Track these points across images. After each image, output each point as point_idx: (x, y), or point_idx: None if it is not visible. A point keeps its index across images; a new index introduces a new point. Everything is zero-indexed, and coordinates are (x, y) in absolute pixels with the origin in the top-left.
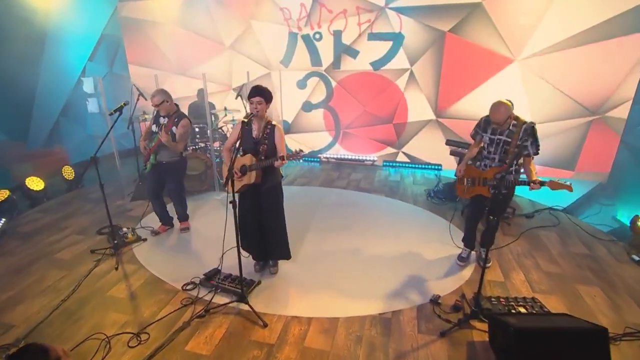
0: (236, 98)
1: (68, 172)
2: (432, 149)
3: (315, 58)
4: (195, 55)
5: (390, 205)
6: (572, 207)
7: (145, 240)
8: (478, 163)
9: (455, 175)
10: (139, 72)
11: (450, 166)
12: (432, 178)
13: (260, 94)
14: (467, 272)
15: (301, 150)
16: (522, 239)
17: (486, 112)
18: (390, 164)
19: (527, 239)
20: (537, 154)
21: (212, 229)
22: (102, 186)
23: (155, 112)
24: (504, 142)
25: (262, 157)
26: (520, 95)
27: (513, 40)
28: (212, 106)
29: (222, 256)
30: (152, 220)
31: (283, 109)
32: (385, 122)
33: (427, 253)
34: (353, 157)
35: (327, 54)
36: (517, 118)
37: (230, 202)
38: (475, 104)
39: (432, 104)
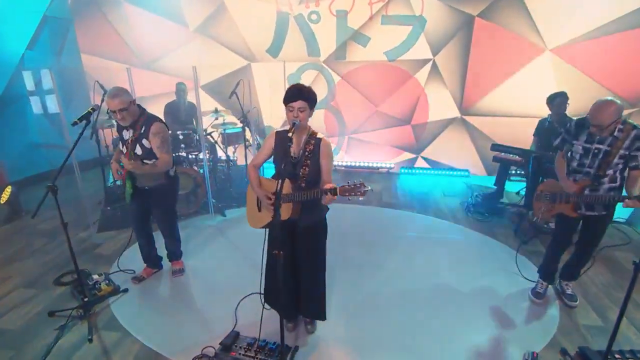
0: (230, 97)
1: (5, 195)
2: (456, 151)
3: (313, 46)
4: (162, 43)
5: (426, 225)
6: (634, 217)
7: (126, 291)
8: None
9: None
10: (97, 63)
11: (478, 171)
12: (462, 187)
13: (304, 96)
14: (552, 313)
15: (362, 184)
16: (598, 264)
17: (517, 107)
18: (410, 170)
19: (603, 262)
20: None
21: (214, 269)
22: (66, 226)
23: (117, 124)
24: (604, 152)
25: (302, 184)
26: (552, 88)
27: (546, 26)
28: (192, 107)
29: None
30: (132, 258)
31: (269, 110)
32: (402, 124)
33: (494, 289)
34: (366, 165)
35: (327, 40)
36: (624, 121)
37: (276, 253)
38: (505, 99)
39: (457, 100)
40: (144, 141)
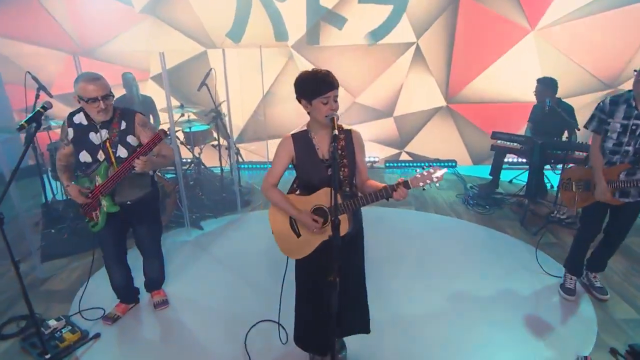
0: (199, 89)
1: None
2: (442, 142)
3: (280, 28)
4: (103, 26)
5: (430, 222)
6: None
7: (98, 336)
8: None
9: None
10: (21, 49)
11: (464, 161)
12: (454, 178)
13: (337, 83)
14: (587, 309)
15: (437, 168)
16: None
17: (503, 92)
18: (395, 164)
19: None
20: None
21: (204, 295)
22: (17, 265)
23: (73, 122)
24: None
25: (347, 189)
26: (536, 72)
27: (531, 6)
28: (148, 101)
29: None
30: (97, 292)
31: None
32: (383, 116)
33: (520, 290)
34: None
35: (297, 22)
36: None
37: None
38: (491, 85)
39: (443, 87)
40: (130, 138)
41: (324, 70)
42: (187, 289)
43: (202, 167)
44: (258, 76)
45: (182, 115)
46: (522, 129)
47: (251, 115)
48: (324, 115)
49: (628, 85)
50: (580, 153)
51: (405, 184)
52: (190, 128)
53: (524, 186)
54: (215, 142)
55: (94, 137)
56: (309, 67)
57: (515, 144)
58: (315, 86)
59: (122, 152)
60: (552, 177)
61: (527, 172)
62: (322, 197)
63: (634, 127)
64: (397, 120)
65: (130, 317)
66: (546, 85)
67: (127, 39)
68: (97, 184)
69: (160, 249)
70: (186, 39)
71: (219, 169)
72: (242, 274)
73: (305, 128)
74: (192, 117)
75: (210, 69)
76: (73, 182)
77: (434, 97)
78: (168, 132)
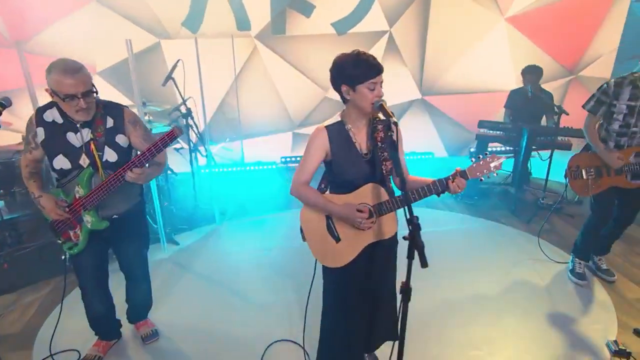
0: (164, 84)
1: None
2: (418, 135)
3: (242, 17)
4: (37, 13)
5: (424, 216)
6: None
7: None
8: (611, 144)
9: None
10: None
11: (440, 153)
12: (430, 170)
13: (382, 68)
14: (600, 294)
15: (494, 156)
16: None
17: (477, 82)
18: None
19: None
20: None
21: (197, 320)
22: None
23: (44, 120)
24: None
25: (394, 184)
26: (507, 61)
27: None
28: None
29: None
30: (67, 330)
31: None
32: None
33: (530, 281)
34: None
35: (260, 9)
36: None
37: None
38: (465, 74)
39: (417, 78)
40: (119, 138)
41: (366, 52)
42: (177, 314)
43: (170, 173)
44: (220, 70)
45: (145, 115)
46: (495, 118)
47: (214, 113)
48: (371, 103)
49: (587, 72)
50: (564, 138)
51: (463, 174)
52: (150, 130)
53: (509, 175)
54: (179, 145)
55: (74, 139)
56: (275, 59)
57: (499, 132)
58: (361, 70)
59: (110, 155)
60: (535, 163)
61: (512, 159)
62: (366, 194)
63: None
64: None
65: (116, 357)
66: (534, 73)
67: (66, 28)
68: (76, 196)
69: (148, 270)
70: (136, 29)
71: (190, 174)
72: (235, 290)
73: (338, 119)
74: (149, 117)
75: (178, 60)
76: (46, 192)
77: (409, 89)
78: (182, 129)
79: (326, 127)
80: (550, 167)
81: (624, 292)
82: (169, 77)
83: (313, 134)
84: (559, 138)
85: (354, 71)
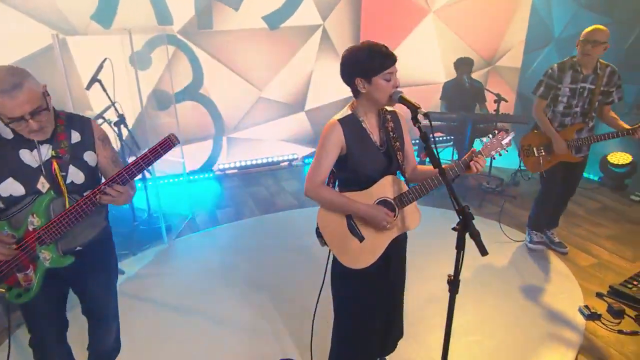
0: (89, 87)
1: None
2: None
3: (162, 9)
4: None
5: None
6: None
7: None
8: (556, 124)
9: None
10: None
11: None
12: None
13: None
14: (559, 265)
15: (502, 132)
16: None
17: (411, 75)
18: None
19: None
20: (621, 100)
21: (172, 357)
22: None
23: None
24: (588, 90)
25: (406, 176)
26: (436, 53)
27: None
28: None
29: None
30: None
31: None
32: (294, 111)
33: (496, 262)
34: (264, 162)
35: (183, 1)
36: (598, 60)
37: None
38: (399, 68)
39: None
40: (88, 155)
41: (379, 43)
42: (150, 356)
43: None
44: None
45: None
46: (431, 110)
47: (136, 119)
48: (388, 94)
49: (502, 62)
50: (503, 124)
51: (479, 154)
52: None
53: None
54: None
55: (29, 157)
56: (203, 56)
57: (441, 122)
58: (377, 61)
59: (76, 176)
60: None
61: (450, 149)
62: (386, 187)
63: (581, 90)
64: (310, 114)
65: None
66: (467, 64)
67: None
68: (30, 228)
69: (117, 307)
70: (36, 24)
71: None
72: (210, 315)
73: (348, 112)
74: None
75: (105, 59)
76: None
77: (345, 85)
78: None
79: (340, 121)
80: None
81: (578, 261)
82: (95, 79)
83: (327, 130)
84: (498, 124)
85: (369, 63)
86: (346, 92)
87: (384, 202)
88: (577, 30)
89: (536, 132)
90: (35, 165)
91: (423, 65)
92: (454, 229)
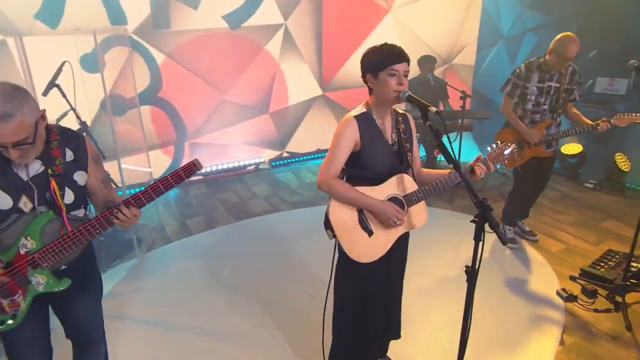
0: (46, 93)
1: None
2: (322, 133)
3: (114, 8)
4: None
5: None
6: None
7: None
8: (526, 121)
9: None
10: None
11: None
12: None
13: (407, 57)
14: (532, 254)
15: (505, 144)
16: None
17: None
18: (282, 162)
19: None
20: (581, 97)
21: None
22: None
23: None
24: (554, 88)
25: (413, 176)
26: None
27: None
28: None
29: None
30: None
31: (51, 112)
32: (258, 114)
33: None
34: (230, 166)
35: (137, 0)
36: None
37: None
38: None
39: (317, 74)
40: (79, 175)
41: (390, 43)
42: None
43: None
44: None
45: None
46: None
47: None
48: (393, 90)
49: (457, 60)
50: (467, 120)
51: (484, 161)
52: None
53: (423, 160)
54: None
55: (20, 170)
56: (160, 58)
57: None
58: (381, 56)
59: (68, 196)
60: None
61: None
62: (395, 185)
63: (547, 88)
64: (274, 116)
65: None
66: (431, 62)
67: None
68: (22, 251)
69: (104, 330)
70: None
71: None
72: (204, 329)
73: (363, 110)
74: None
75: (64, 62)
76: None
77: (309, 86)
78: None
79: (356, 117)
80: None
81: (549, 247)
82: (53, 83)
83: (342, 125)
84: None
85: (375, 58)
86: (312, 92)
87: (394, 199)
88: (523, 29)
89: (509, 129)
90: (24, 178)
91: None
92: (472, 221)
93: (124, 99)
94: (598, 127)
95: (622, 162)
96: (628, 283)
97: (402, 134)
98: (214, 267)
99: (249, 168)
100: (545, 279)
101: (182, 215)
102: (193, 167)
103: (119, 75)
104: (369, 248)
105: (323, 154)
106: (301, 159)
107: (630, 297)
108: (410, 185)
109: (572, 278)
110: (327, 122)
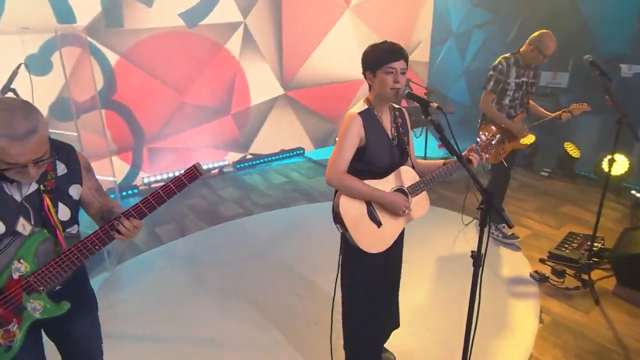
0: (3, 93)
1: None
2: (285, 132)
3: (61, 5)
4: None
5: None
6: None
7: None
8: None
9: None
10: None
11: (308, 147)
12: (312, 165)
13: (405, 55)
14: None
15: (493, 134)
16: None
17: (334, 73)
18: (248, 163)
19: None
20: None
21: None
22: None
23: None
24: (525, 83)
25: (413, 167)
26: (354, 50)
27: None
28: None
29: None
30: None
31: None
32: (220, 115)
33: (447, 244)
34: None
35: None
36: None
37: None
38: (322, 66)
39: (278, 73)
40: (74, 189)
41: (389, 41)
42: None
43: None
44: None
45: None
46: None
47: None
48: (390, 88)
49: (414, 56)
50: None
51: (476, 151)
52: None
53: None
54: None
55: (12, 190)
56: (112, 57)
57: None
58: (378, 54)
59: (63, 212)
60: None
61: None
62: (400, 176)
63: (521, 83)
64: (236, 117)
65: None
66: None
67: None
68: (15, 276)
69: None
70: None
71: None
72: (197, 338)
73: (365, 107)
74: None
75: (20, 65)
76: None
77: (271, 85)
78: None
79: (360, 113)
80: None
81: (517, 234)
82: (8, 87)
83: (348, 121)
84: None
85: (373, 56)
86: (273, 92)
87: (399, 191)
88: (471, 25)
89: (491, 125)
90: (18, 199)
91: (344, 62)
92: (478, 208)
93: (76, 103)
94: (562, 117)
95: (571, 149)
96: (591, 262)
97: (400, 128)
98: (195, 274)
99: (213, 172)
100: (517, 264)
101: (150, 224)
102: (195, 171)
103: (71, 77)
104: (378, 239)
105: (287, 155)
106: (266, 160)
107: (595, 274)
108: (411, 177)
109: (542, 260)
110: (290, 121)
